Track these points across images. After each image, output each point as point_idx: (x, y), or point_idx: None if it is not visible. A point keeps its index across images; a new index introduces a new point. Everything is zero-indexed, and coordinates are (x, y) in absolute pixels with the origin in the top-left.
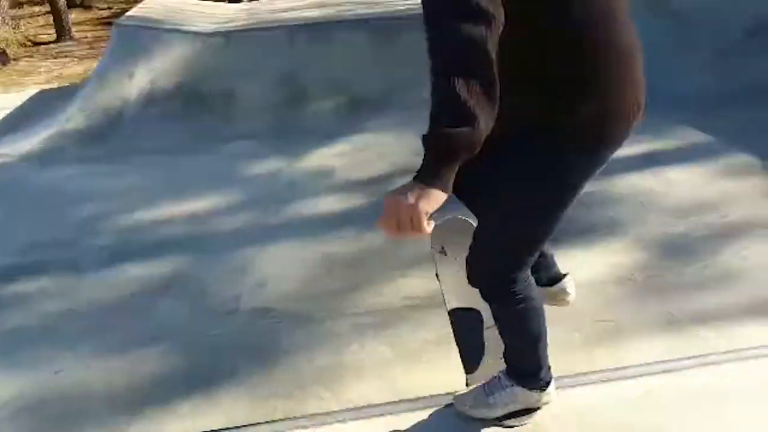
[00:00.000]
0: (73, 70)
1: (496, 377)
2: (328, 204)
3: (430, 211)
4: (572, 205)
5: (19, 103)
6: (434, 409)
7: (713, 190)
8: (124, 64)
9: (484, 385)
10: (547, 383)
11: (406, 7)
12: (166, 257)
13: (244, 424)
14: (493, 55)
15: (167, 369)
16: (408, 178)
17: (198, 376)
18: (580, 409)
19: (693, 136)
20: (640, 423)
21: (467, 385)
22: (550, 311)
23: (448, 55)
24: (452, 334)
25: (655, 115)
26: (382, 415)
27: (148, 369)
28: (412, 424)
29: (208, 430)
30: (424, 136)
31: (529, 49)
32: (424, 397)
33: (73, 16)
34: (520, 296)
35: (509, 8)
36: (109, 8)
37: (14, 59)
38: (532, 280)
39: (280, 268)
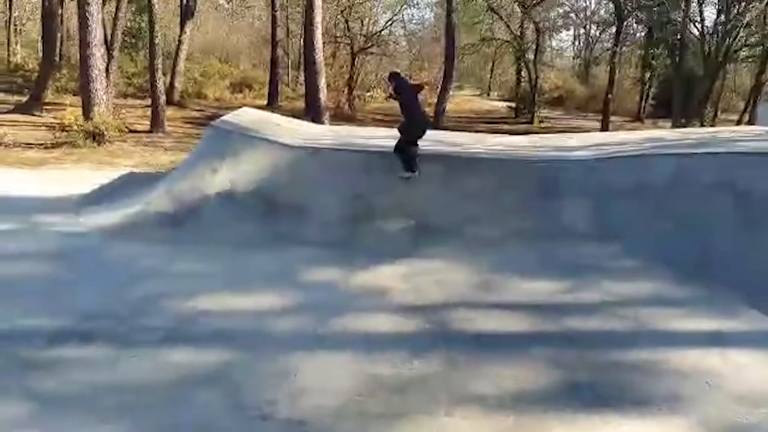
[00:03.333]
0: (161, 159)
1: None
2: (381, 324)
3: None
4: None
5: (107, 180)
6: None
7: None
8: (211, 160)
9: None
10: (414, 171)
11: (485, 149)
12: (214, 349)
13: None
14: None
15: None
16: (462, 311)
17: None
18: None
19: (763, 320)
20: None
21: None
22: None
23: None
24: None
25: (722, 294)
26: None
27: None
28: None
29: None
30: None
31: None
32: None
33: (169, 112)
34: (409, 154)
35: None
36: (201, 110)
37: (109, 141)
38: (414, 151)
39: (322, 380)
